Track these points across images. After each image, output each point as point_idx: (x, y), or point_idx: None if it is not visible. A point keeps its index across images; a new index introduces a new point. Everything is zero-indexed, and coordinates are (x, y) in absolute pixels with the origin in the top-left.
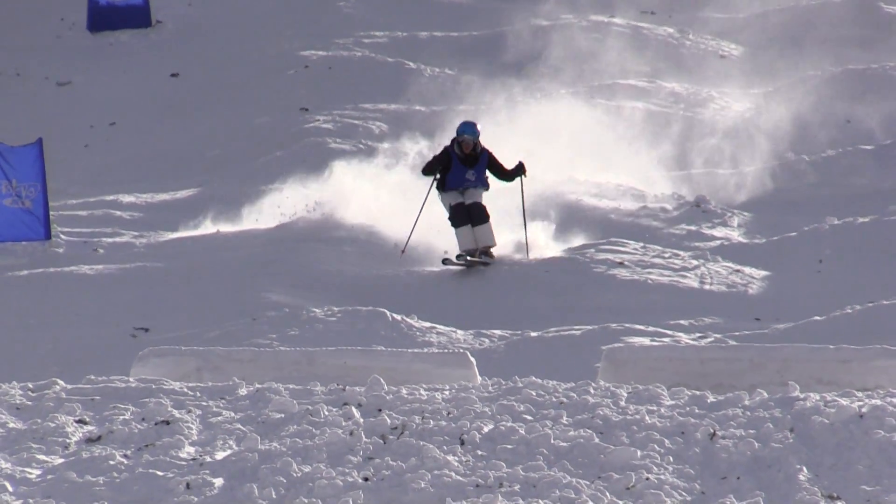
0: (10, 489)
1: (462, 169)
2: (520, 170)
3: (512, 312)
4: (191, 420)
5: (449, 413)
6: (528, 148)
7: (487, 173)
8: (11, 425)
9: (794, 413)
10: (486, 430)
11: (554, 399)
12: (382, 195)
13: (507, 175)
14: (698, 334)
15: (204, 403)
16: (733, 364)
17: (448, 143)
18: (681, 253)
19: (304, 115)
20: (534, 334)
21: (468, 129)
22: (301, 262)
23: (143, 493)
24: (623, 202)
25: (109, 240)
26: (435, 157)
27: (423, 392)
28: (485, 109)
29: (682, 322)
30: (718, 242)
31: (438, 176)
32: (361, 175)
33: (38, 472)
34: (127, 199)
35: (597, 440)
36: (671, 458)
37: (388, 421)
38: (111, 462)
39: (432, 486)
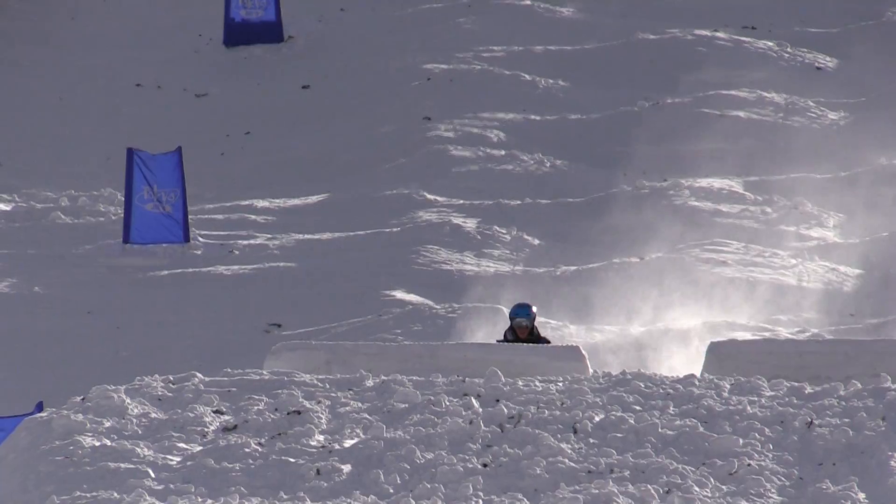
0: (153, 475)
1: None
2: None
3: (621, 308)
4: (320, 410)
5: (562, 403)
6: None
7: None
8: (153, 415)
9: (885, 402)
10: (597, 419)
11: (661, 390)
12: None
13: None
14: (797, 329)
15: (333, 394)
16: (829, 357)
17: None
18: (780, 252)
19: (427, 123)
20: (642, 329)
21: (521, 311)
22: (424, 261)
23: (275, 479)
24: (725, 205)
25: (244, 242)
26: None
27: (537, 384)
28: (596, 119)
29: (781, 317)
30: (815, 242)
31: None
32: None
33: (178, 458)
34: (261, 203)
35: (701, 429)
36: (771, 446)
37: (506, 411)
38: (246, 449)
39: (547, 472)
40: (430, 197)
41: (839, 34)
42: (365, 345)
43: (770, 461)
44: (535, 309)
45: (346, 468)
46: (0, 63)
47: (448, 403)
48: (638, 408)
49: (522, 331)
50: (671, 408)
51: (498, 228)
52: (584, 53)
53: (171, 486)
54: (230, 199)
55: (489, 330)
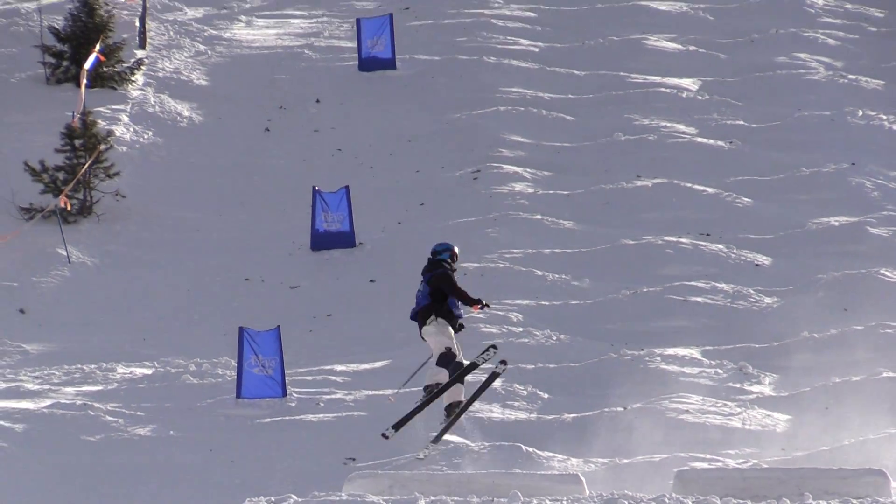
0: None
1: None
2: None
3: (609, 446)
4: None
5: None
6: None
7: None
8: None
9: None
10: None
11: None
12: None
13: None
14: (741, 460)
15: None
16: (766, 481)
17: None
18: (728, 403)
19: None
20: (626, 461)
21: (437, 246)
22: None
23: None
24: (687, 367)
25: (328, 396)
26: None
27: (548, 502)
28: (590, 304)
29: (730, 451)
30: (755, 395)
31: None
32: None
33: None
34: (339, 367)
35: None
36: None
37: None
38: None
39: None
40: (465, 363)
41: (773, 240)
42: (419, 473)
43: None
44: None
45: None
46: (140, 266)
47: None
48: None
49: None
50: None
51: (517, 386)
52: (580, 254)
53: None
54: (316, 365)
55: (509, 460)
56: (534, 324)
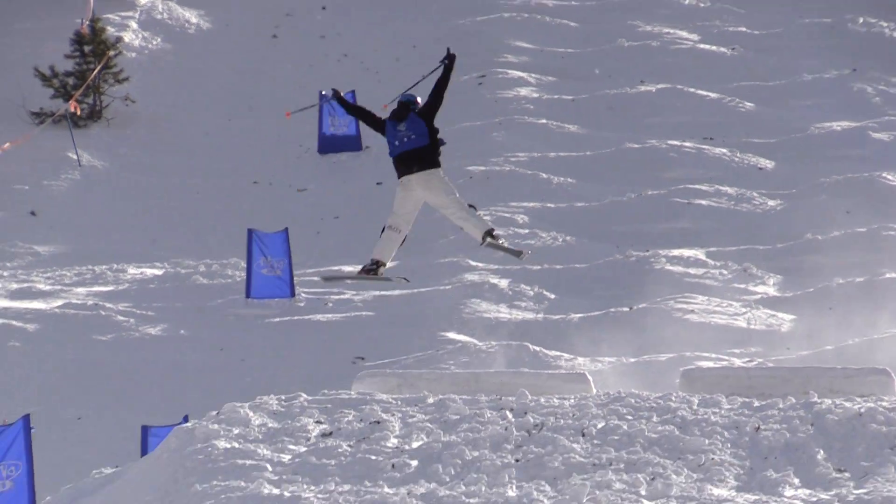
0: (270, 469)
1: (395, 129)
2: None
3: (617, 345)
4: (394, 420)
5: (573, 415)
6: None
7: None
8: (270, 425)
9: (813, 413)
10: (599, 426)
11: (647, 405)
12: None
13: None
14: (746, 359)
15: (403, 409)
16: (771, 380)
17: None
18: (733, 303)
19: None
20: (633, 360)
21: (404, 96)
22: (470, 310)
23: (361, 472)
24: (692, 268)
25: (336, 297)
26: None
27: (555, 400)
28: (595, 206)
29: (735, 351)
30: (759, 296)
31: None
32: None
33: (289, 457)
34: (347, 268)
35: (677, 433)
36: (729, 445)
37: (532, 420)
38: (339, 450)
39: (563, 465)
40: (473, 263)
41: (776, 144)
42: (427, 372)
43: (728, 456)
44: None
45: (414, 463)
46: (150, 169)
47: (489, 415)
48: (630, 417)
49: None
50: (654, 417)
51: (524, 286)
52: (585, 158)
53: (284, 477)
54: (324, 265)
55: (516, 360)
56: (540, 226)
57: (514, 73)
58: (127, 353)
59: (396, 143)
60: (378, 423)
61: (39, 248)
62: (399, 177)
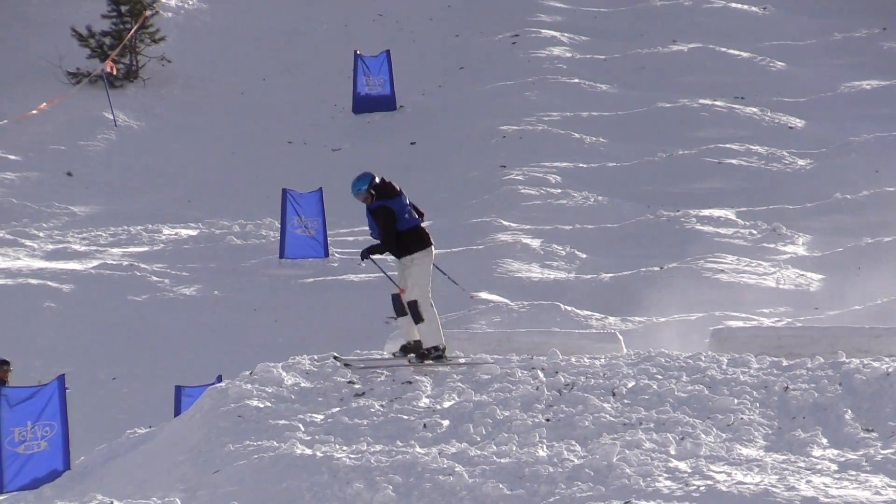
0: (302, 429)
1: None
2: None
3: (646, 305)
4: (426, 381)
5: (604, 374)
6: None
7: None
8: (303, 385)
9: (841, 373)
10: (630, 385)
11: (676, 364)
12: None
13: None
14: (775, 319)
15: (435, 369)
16: (799, 339)
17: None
18: (762, 263)
19: (503, 170)
20: (663, 319)
21: (352, 188)
22: (502, 270)
23: (393, 431)
24: (722, 228)
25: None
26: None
27: (586, 360)
28: (627, 166)
29: (764, 310)
30: (788, 255)
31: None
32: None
33: (322, 416)
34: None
35: (706, 392)
36: (757, 405)
37: (563, 380)
38: (371, 410)
39: (593, 424)
40: (505, 223)
41: (806, 103)
42: (458, 332)
43: (757, 416)
44: (369, 181)
45: (446, 423)
46: (186, 130)
47: (520, 375)
48: (660, 377)
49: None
50: (684, 377)
51: (556, 246)
52: (617, 118)
53: (316, 436)
54: (358, 226)
55: (547, 320)
56: (572, 185)
57: (547, 32)
58: (161, 314)
59: (407, 216)
60: (410, 383)
61: (75, 208)
62: (424, 247)
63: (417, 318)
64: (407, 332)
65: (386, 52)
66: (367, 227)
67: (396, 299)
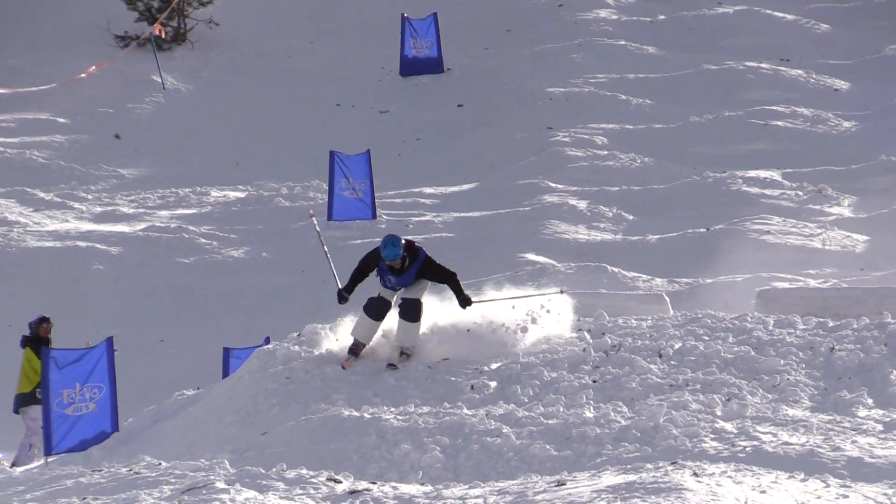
0: (350, 390)
1: (387, 272)
2: (464, 302)
3: (692, 266)
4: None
5: (651, 335)
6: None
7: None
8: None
9: (887, 333)
10: (676, 346)
11: (723, 325)
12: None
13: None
14: (821, 280)
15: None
16: (845, 300)
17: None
18: (809, 224)
19: (549, 132)
20: (709, 280)
21: (388, 253)
22: (549, 232)
23: (441, 392)
24: (768, 189)
25: (416, 219)
26: (359, 268)
27: (633, 321)
28: (673, 128)
29: (810, 271)
30: (834, 217)
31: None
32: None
33: (369, 378)
34: (428, 190)
35: (753, 353)
36: (804, 365)
37: (610, 341)
38: (418, 371)
39: (640, 385)
40: (552, 185)
41: (851, 65)
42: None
43: (803, 377)
44: (402, 243)
45: (493, 384)
46: (234, 92)
47: (567, 336)
48: (706, 338)
49: (395, 266)
50: (730, 338)
51: (603, 208)
52: (664, 80)
53: (363, 397)
54: (406, 188)
55: (594, 281)
56: (618, 147)
57: None
58: (209, 276)
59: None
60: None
61: (123, 171)
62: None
63: (417, 318)
64: (368, 334)
65: (433, 15)
66: (413, 189)
67: (378, 301)
